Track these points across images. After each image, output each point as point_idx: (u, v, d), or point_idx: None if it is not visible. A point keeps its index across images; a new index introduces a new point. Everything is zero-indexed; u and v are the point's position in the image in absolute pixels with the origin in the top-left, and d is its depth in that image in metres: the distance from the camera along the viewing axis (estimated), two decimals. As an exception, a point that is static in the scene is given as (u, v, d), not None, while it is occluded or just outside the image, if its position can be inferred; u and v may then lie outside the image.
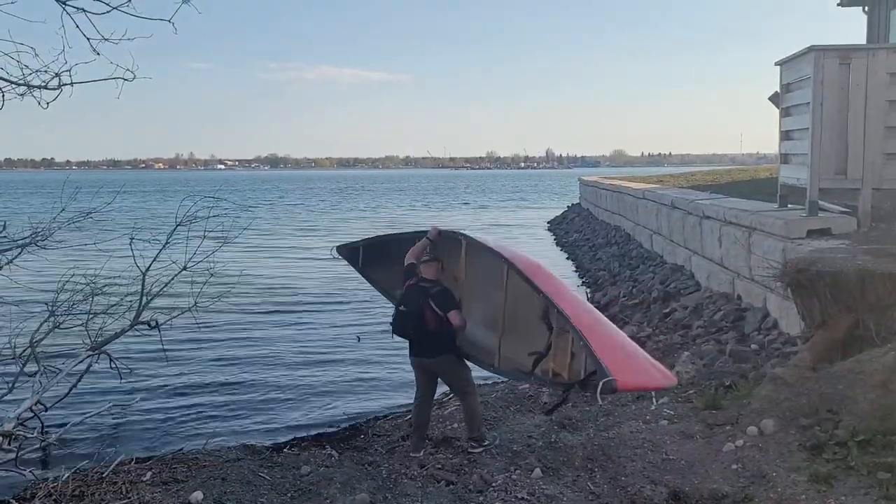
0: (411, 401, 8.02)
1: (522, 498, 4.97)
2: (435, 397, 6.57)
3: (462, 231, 6.70)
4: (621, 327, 10.90)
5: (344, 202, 57.78)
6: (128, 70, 4.81)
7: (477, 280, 6.45)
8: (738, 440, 5.23)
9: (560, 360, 5.61)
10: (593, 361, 4.84)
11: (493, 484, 5.28)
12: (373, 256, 7.45)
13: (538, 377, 5.80)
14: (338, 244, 7.88)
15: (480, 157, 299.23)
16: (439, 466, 5.87)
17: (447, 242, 6.60)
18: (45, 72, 4.91)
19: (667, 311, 10.72)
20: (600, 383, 4.55)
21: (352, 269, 7.80)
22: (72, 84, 4.94)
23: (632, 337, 9.98)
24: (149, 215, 33.21)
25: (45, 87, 4.91)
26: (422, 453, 6.06)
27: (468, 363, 6.26)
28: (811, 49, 7.94)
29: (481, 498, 5.10)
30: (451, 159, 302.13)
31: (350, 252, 7.63)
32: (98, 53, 4.87)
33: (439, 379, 6.28)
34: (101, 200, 7.59)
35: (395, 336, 6.17)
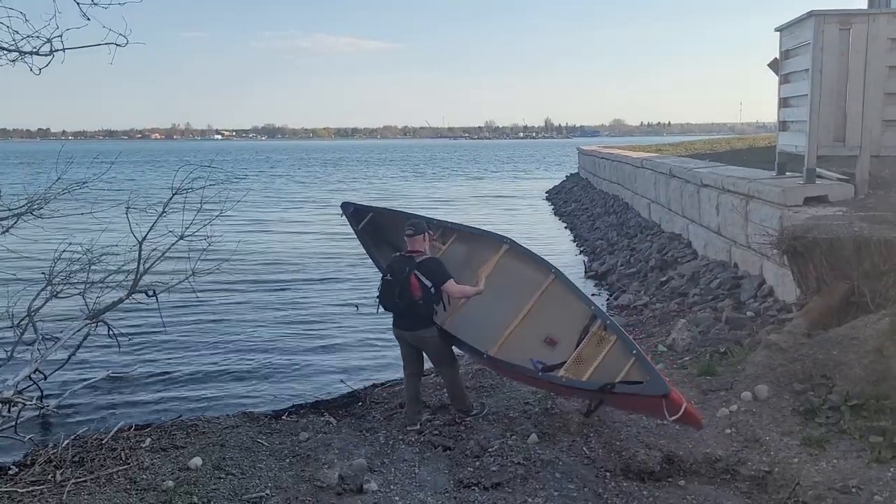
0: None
1: (518, 463, 5.03)
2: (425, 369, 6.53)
3: (508, 237, 6.72)
4: (619, 296, 10.99)
5: (336, 173, 57.05)
6: (120, 35, 4.77)
7: (501, 282, 6.34)
8: (733, 405, 5.28)
9: (578, 369, 5.46)
10: (645, 371, 4.84)
11: (490, 449, 5.33)
12: (377, 225, 7.41)
13: (549, 377, 5.54)
14: (347, 201, 7.74)
15: (479, 127, 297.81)
16: (436, 433, 5.92)
17: (485, 242, 6.69)
18: (37, 37, 4.87)
19: (664, 279, 10.75)
20: (666, 393, 4.49)
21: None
22: (63, 50, 4.91)
23: (629, 305, 10.10)
24: (137, 186, 32.81)
25: (37, 53, 4.88)
26: (418, 426, 6.07)
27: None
28: (811, 14, 7.85)
29: (478, 463, 5.15)
30: (450, 129, 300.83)
31: (356, 212, 7.53)
32: (88, 18, 4.84)
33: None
34: (97, 170, 7.56)
35: (382, 310, 6.12)
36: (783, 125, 9.33)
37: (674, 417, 4.49)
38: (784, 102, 9.24)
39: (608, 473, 4.85)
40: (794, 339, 5.79)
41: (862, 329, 5.47)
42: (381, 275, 6.22)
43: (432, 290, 5.88)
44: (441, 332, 6.08)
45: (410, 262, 5.94)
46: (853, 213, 7.17)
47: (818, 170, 8.47)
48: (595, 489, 4.66)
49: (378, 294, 6.11)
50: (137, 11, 4.88)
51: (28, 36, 4.98)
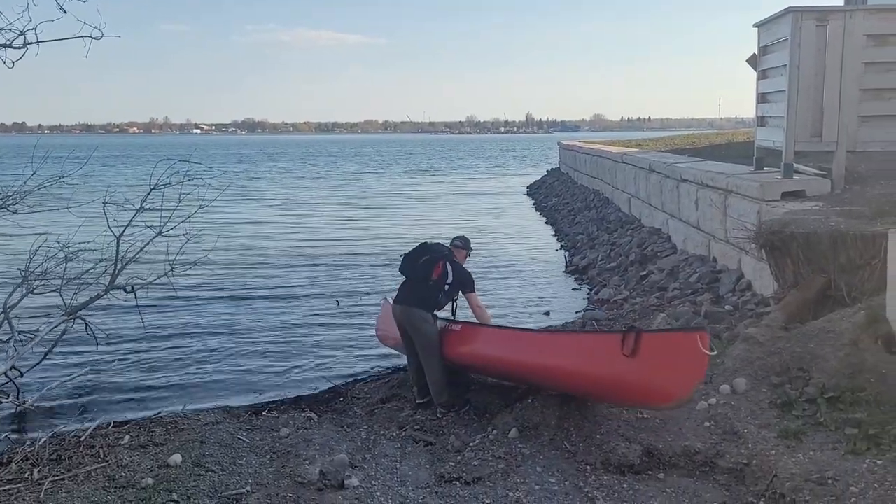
0: (391, 364, 8.13)
1: (499, 457, 5.04)
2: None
3: None
4: (599, 290, 11.05)
5: (307, 170, 55.28)
6: (95, 28, 4.70)
7: None
8: (711, 398, 5.32)
9: None
10: None
11: (471, 444, 5.34)
12: None
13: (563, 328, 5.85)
14: None
15: (460, 122, 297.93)
16: (417, 428, 5.94)
17: None
18: (10, 30, 4.79)
19: (644, 273, 10.82)
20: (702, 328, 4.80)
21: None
22: (38, 43, 4.83)
23: (609, 300, 10.15)
24: (93, 185, 32.00)
25: (10, 46, 4.80)
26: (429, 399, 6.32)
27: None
28: (788, 10, 7.92)
29: (459, 458, 5.16)
30: (431, 123, 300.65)
31: None
32: (65, 11, 4.77)
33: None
34: (68, 167, 7.44)
35: (400, 269, 6.48)
36: (761, 120, 9.42)
37: (710, 352, 4.51)
38: (762, 98, 9.32)
39: (588, 467, 4.87)
40: (772, 332, 5.85)
41: (838, 322, 5.53)
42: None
43: (447, 287, 6.23)
44: (434, 318, 6.29)
45: (450, 253, 6.44)
46: (830, 208, 7.25)
47: (796, 165, 8.56)
48: (576, 482, 4.69)
49: (405, 252, 6.48)
50: (117, 3, 4.84)
51: (1, 28, 4.91)
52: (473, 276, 6.49)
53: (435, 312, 6.34)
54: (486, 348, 6.14)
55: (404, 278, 6.46)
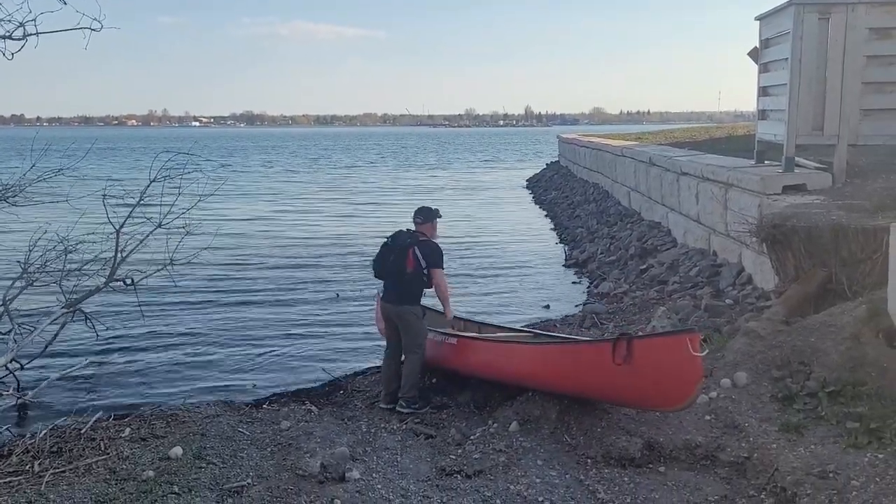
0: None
1: (500, 450, 5.04)
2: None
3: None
4: (599, 284, 11.04)
5: (296, 162, 54.73)
6: (94, 20, 4.68)
7: None
8: (712, 392, 5.31)
9: None
10: None
11: (471, 437, 5.34)
12: None
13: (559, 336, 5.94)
14: None
15: (459, 115, 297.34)
16: (418, 421, 5.95)
17: None
18: (9, 21, 4.77)
19: (644, 267, 10.81)
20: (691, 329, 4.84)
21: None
22: (37, 34, 4.81)
23: (609, 293, 10.15)
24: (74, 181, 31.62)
25: (10, 38, 4.77)
26: (393, 405, 6.26)
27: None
28: (791, 3, 7.90)
29: (459, 450, 5.16)
30: (430, 117, 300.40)
31: None
32: (65, 2, 4.75)
33: None
34: (72, 157, 7.41)
35: (375, 275, 6.49)
36: (762, 114, 9.40)
37: (698, 354, 4.45)
38: (763, 91, 9.30)
39: (589, 460, 4.87)
40: (773, 326, 5.85)
41: (839, 316, 5.53)
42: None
43: (425, 270, 6.18)
44: (422, 312, 6.35)
45: (414, 237, 6.30)
46: (831, 202, 7.24)
47: (796, 158, 8.55)
48: (576, 476, 4.69)
49: (374, 259, 6.46)
50: (113, -5, 4.81)
51: (1, 20, 4.88)
52: (443, 252, 6.39)
53: (422, 304, 6.44)
54: (481, 361, 6.21)
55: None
